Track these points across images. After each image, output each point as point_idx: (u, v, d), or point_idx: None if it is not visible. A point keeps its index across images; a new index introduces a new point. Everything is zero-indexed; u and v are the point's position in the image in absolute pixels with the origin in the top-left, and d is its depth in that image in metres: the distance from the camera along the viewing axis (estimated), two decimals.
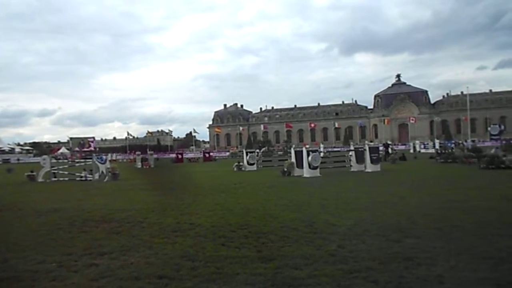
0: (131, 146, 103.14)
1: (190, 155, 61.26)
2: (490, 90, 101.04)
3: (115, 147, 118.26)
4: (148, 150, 59.25)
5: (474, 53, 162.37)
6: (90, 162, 22.45)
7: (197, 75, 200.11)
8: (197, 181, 19.42)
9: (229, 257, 5.53)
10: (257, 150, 36.48)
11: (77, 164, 24.94)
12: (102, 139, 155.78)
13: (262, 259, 5.36)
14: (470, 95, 78.10)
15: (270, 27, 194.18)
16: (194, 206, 10.47)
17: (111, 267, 5.20)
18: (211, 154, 55.76)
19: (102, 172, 21.17)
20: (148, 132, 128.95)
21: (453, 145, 36.63)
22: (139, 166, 37.72)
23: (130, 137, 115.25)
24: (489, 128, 42.46)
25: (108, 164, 22.25)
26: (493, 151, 23.47)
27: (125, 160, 60.13)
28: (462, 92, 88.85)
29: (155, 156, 48.94)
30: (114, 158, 56.98)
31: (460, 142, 45.36)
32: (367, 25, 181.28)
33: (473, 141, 53.06)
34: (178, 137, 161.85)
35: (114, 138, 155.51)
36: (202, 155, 54.12)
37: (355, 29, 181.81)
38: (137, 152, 46.47)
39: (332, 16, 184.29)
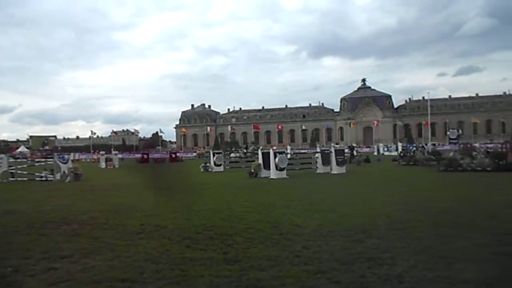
0: (95, 145, 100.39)
1: (156, 156, 60.31)
2: (450, 96, 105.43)
3: (78, 147, 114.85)
4: (112, 149, 57.85)
5: (436, 60, 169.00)
6: (51, 162, 21.69)
7: (165, 74, 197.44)
8: (162, 182, 19.16)
9: (194, 259, 5.50)
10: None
11: (37, 164, 24.04)
12: (64, 138, 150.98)
13: (227, 261, 5.36)
14: (431, 100, 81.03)
15: (239, 28, 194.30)
16: (159, 208, 10.33)
17: (71, 271, 5.05)
18: (177, 154, 55.10)
19: (64, 172, 20.49)
20: (113, 131, 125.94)
21: (414, 148, 37.87)
22: (103, 166, 36.79)
23: (94, 136, 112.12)
24: (448, 132, 44.23)
25: (70, 164, 21.56)
26: (451, 154, 24.44)
27: (88, 160, 58.49)
28: (423, 97, 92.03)
29: (120, 156, 47.93)
30: (76, 157, 55.26)
31: (421, 145, 46.96)
32: (335, 30, 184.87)
33: (433, 144, 55.04)
34: (144, 137, 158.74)
35: (77, 137, 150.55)
36: (168, 156, 53.41)
37: (324, 33, 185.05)
38: (101, 152, 45.27)
39: (302, 19, 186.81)
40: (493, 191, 12.30)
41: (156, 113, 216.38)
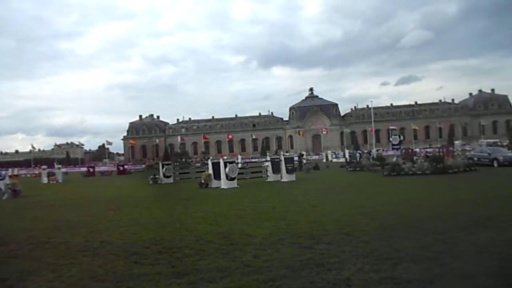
0: (36, 159, 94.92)
1: (103, 168, 58.11)
2: (391, 104, 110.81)
3: (18, 161, 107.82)
4: (55, 163, 54.94)
5: (379, 70, 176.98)
6: None
7: (112, 85, 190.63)
8: (109, 195, 18.45)
9: (142, 274, 5.32)
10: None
11: None
12: (2, 153, 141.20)
13: (176, 275, 5.23)
14: (374, 108, 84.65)
15: (189, 38, 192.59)
16: (105, 223, 9.92)
17: None
18: (125, 167, 53.45)
19: (0, 189, 19.16)
20: (56, 144, 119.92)
21: (358, 154, 39.25)
22: (45, 182, 34.80)
23: (35, 149, 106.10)
24: (390, 139, 46.31)
25: (7, 180, 20.23)
26: (394, 159, 25.60)
27: (28, 175, 55.17)
28: (367, 106, 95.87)
29: (63, 170, 45.59)
30: (15, 173, 51.87)
31: (366, 151, 48.79)
32: (284, 41, 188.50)
33: (378, 150, 57.49)
34: (90, 150, 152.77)
35: (17, 151, 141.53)
36: (116, 168, 51.64)
37: (273, 44, 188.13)
38: (42, 166, 42.78)
39: (251, 30, 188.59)
40: (433, 192, 12.99)
41: (103, 125, 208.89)
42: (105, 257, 6.38)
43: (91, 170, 47.39)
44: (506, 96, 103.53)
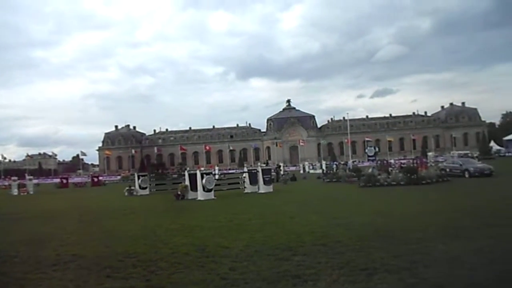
0: (6, 170, 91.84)
1: (77, 180, 56.78)
2: (367, 116, 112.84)
3: None
4: (27, 174, 53.28)
5: (355, 83, 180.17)
6: None
7: (87, 94, 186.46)
8: (82, 207, 18.01)
9: None
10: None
11: None
12: None
13: None
14: (350, 120, 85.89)
15: (167, 48, 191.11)
16: (78, 235, 9.68)
17: None
18: (100, 178, 52.39)
19: None
20: (28, 155, 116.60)
21: (335, 165, 39.66)
22: (15, 193, 33.68)
23: (6, 160, 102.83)
24: (366, 150, 47.06)
25: None
26: (370, 170, 25.97)
27: None
28: (344, 118, 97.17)
29: (35, 181, 44.28)
30: None
31: (343, 162, 49.43)
32: (262, 53, 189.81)
33: (354, 161, 58.25)
34: (64, 160, 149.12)
35: None
36: (90, 179, 50.53)
37: (251, 56, 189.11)
38: (12, 178, 41.42)
39: (230, 41, 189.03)
40: (407, 203, 13.23)
41: (78, 135, 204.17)
42: (76, 271, 6.21)
43: (65, 181, 46.21)
44: (476, 109, 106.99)
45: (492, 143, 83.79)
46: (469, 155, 58.32)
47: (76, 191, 36.84)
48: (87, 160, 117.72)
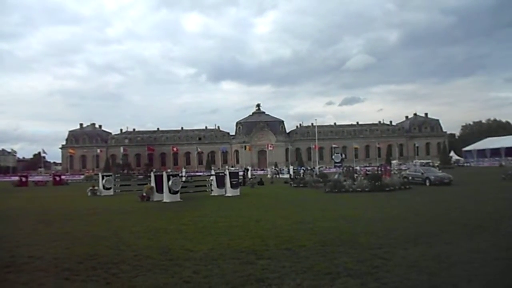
0: None
1: (38, 178, 54.68)
2: (335, 123, 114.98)
3: None
4: None
5: (325, 90, 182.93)
6: None
7: (52, 90, 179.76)
8: (41, 207, 17.34)
9: None
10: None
11: None
12: None
13: None
14: (319, 126, 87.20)
15: (138, 47, 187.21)
16: (35, 236, 9.30)
17: None
18: (62, 177, 50.67)
19: None
20: None
21: (302, 171, 40.06)
22: None
23: None
24: (333, 156, 47.86)
25: None
26: (336, 176, 26.41)
27: None
28: (312, 124, 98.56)
29: None
30: None
31: (309, 168, 50.08)
32: (234, 56, 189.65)
33: (321, 167, 59.13)
34: (24, 158, 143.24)
35: None
36: (51, 178, 48.79)
37: (224, 58, 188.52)
38: None
39: (202, 43, 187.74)
40: (371, 209, 13.51)
41: (40, 132, 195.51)
42: (33, 273, 5.96)
43: (24, 179, 44.30)
44: (437, 120, 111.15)
45: (452, 153, 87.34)
46: (431, 164, 60.46)
47: (36, 190, 35.44)
48: (50, 158, 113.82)
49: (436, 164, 60.19)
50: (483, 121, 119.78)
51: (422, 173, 26.58)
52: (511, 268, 5.71)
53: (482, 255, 6.41)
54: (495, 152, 75.83)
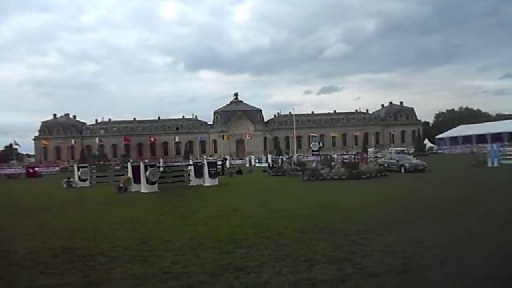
0: None
1: (10, 171, 53.23)
2: (312, 112, 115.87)
3: None
4: None
5: (303, 79, 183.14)
6: None
7: (24, 80, 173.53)
8: (14, 200, 16.93)
9: (49, 286, 4.97)
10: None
11: None
12: None
13: (88, 285, 4.95)
14: (296, 115, 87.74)
15: (113, 35, 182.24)
16: (9, 230, 9.10)
17: None
18: (36, 169, 49.49)
19: None
20: None
21: (280, 159, 40.26)
22: None
23: None
24: (311, 145, 48.25)
25: None
26: (313, 165, 26.68)
27: None
28: (290, 113, 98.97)
29: None
30: None
31: (288, 157, 50.36)
32: (212, 44, 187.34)
33: (299, 156, 59.56)
34: None
35: None
36: (24, 171, 47.59)
37: (201, 47, 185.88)
38: None
39: (179, 31, 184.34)
40: (347, 196, 13.74)
41: (11, 123, 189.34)
42: (6, 268, 5.84)
43: None
44: (412, 108, 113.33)
45: (426, 141, 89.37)
46: (406, 151, 61.78)
47: (8, 182, 34.57)
48: (22, 150, 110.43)
49: (411, 152, 61.51)
50: (456, 109, 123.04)
51: (398, 161, 27.14)
52: (482, 251, 5.92)
53: (454, 239, 6.63)
54: (467, 139, 78.16)
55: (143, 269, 5.50)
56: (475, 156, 34.99)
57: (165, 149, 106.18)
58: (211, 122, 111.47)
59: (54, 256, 6.38)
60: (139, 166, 19.48)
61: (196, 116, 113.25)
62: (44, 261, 6.09)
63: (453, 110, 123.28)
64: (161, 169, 25.77)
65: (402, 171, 25.31)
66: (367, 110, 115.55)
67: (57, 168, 60.52)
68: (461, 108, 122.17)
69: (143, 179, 18.68)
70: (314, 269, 5.25)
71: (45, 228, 9.17)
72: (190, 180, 22.18)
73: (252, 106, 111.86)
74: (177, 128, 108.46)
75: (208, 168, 21.68)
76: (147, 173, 18.57)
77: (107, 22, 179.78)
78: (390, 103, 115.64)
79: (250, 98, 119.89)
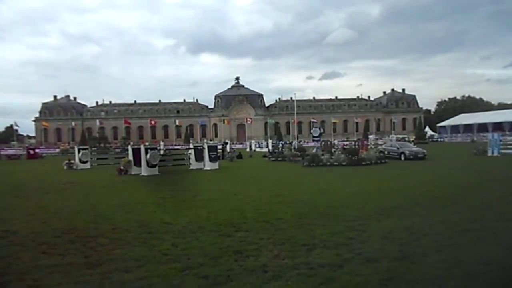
0: None
1: (10, 152, 53.31)
2: (314, 98, 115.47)
3: None
4: None
5: (305, 64, 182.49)
6: None
7: (25, 61, 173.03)
8: (16, 181, 17.02)
9: (51, 266, 5.01)
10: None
11: None
12: None
13: (89, 265, 5.00)
14: (298, 101, 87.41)
15: (115, 17, 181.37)
16: (10, 211, 9.17)
17: None
18: (36, 150, 49.54)
19: None
20: None
21: (280, 144, 40.28)
22: None
23: None
24: (311, 131, 48.21)
25: None
26: (314, 150, 26.69)
27: None
28: (291, 98, 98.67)
29: None
30: None
31: (288, 142, 50.41)
32: (215, 27, 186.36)
33: (299, 141, 59.61)
34: None
35: None
36: (25, 152, 47.65)
37: (203, 30, 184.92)
38: None
39: (182, 14, 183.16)
40: (347, 183, 13.79)
41: (12, 104, 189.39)
42: (8, 248, 5.91)
43: None
44: (414, 96, 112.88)
45: (427, 129, 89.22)
46: (406, 139, 61.76)
47: (9, 163, 34.67)
48: (23, 131, 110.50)
49: (412, 139, 61.49)
50: (458, 97, 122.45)
51: (398, 148, 27.16)
52: (479, 239, 5.97)
53: (451, 227, 6.69)
54: (468, 128, 78.03)
55: (143, 251, 5.56)
56: (475, 145, 35.00)
57: (166, 132, 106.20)
58: (212, 106, 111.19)
59: (56, 237, 6.45)
60: (139, 149, 19.51)
61: (197, 100, 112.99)
62: (46, 242, 6.16)
63: (455, 98, 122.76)
64: (162, 152, 25.81)
65: (402, 158, 25.35)
66: (369, 97, 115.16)
67: (57, 150, 60.61)
68: (463, 96, 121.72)
69: (143, 162, 18.73)
70: (312, 254, 5.31)
71: (46, 209, 9.24)
72: (190, 163, 22.24)
73: (253, 91, 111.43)
74: (178, 112, 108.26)
75: (209, 152, 21.71)
76: (148, 156, 18.61)
77: (108, 3, 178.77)
78: (392, 90, 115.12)
79: (251, 83, 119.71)
